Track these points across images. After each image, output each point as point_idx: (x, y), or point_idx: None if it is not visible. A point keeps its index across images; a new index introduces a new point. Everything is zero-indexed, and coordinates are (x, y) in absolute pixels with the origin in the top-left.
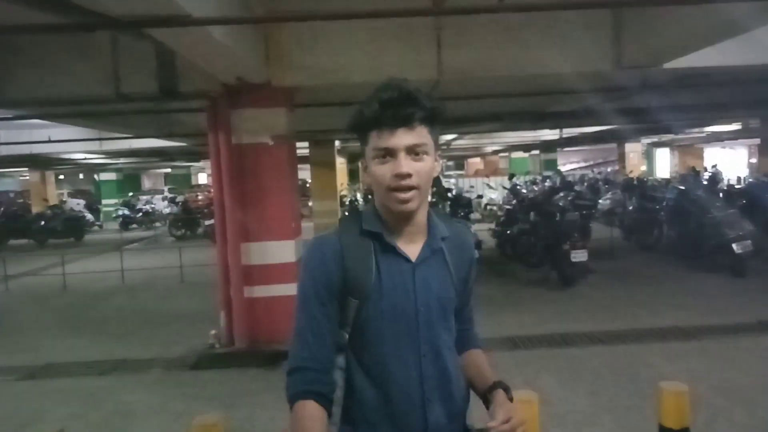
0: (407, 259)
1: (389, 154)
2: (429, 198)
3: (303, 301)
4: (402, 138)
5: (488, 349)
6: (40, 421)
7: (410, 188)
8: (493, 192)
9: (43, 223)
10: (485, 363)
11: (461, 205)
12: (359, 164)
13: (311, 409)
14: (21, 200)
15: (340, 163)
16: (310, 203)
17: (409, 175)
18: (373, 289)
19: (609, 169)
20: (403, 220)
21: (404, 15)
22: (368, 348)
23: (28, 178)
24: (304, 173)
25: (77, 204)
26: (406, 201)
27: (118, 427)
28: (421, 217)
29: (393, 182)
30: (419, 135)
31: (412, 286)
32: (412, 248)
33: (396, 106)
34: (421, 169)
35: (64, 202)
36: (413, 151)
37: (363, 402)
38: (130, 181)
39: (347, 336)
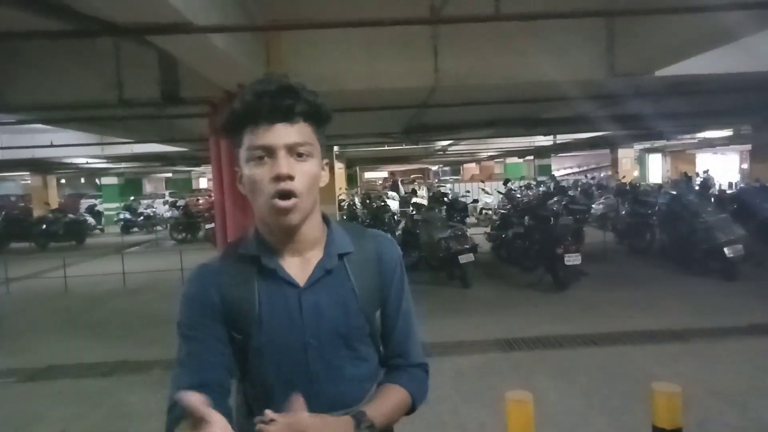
0: (293, 284)
1: (267, 153)
2: (317, 209)
3: (178, 337)
4: (281, 134)
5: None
6: (41, 422)
7: (291, 194)
8: (488, 197)
9: (44, 226)
10: (384, 397)
11: (457, 210)
12: (236, 174)
13: None
14: (23, 204)
15: (339, 167)
16: None
17: (290, 177)
18: (254, 323)
19: (602, 175)
20: (287, 236)
21: (402, 23)
22: (254, 387)
23: (29, 182)
24: None
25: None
26: (286, 212)
27: (119, 427)
28: (311, 230)
29: (271, 186)
30: (302, 132)
31: (299, 316)
32: (301, 270)
33: (274, 97)
34: (306, 172)
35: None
36: (295, 151)
37: None
38: (131, 185)
39: (239, 372)
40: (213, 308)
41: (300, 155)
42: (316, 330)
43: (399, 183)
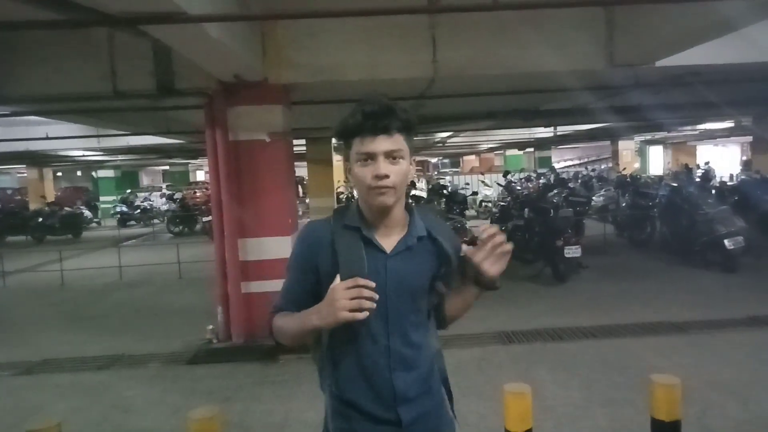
0: (382, 251)
1: (370, 158)
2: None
3: (288, 269)
4: (381, 144)
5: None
6: (38, 416)
7: (386, 187)
8: (488, 189)
9: (40, 219)
10: None
11: (457, 202)
12: (345, 166)
13: (282, 313)
14: (19, 197)
15: (337, 160)
16: (307, 200)
17: (386, 176)
18: (365, 276)
19: (602, 167)
20: (382, 215)
21: (400, 12)
22: (346, 324)
23: (25, 175)
24: (301, 170)
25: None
26: (383, 194)
27: (116, 421)
28: (398, 213)
29: (373, 182)
30: (396, 142)
31: (384, 275)
32: (388, 241)
33: (377, 117)
34: (398, 171)
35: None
36: (391, 156)
37: (343, 368)
38: (128, 178)
39: None
40: (312, 257)
41: (394, 158)
42: (394, 287)
43: None
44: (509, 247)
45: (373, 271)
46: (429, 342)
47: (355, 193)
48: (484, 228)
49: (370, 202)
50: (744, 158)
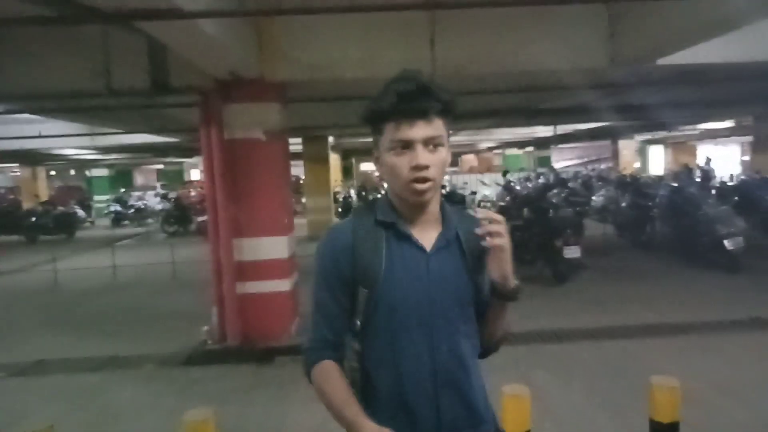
0: (422, 249)
1: (406, 146)
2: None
3: (314, 286)
4: (420, 130)
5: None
6: (31, 418)
7: (426, 180)
8: (486, 189)
9: (34, 219)
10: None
11: (455, 202)
12: (373, 154)
13: (327, 365)
14: (12, 196)
15: (334, 159)
16: (303, 200)
17: (426, 167)
18: (384, 279)
19: (603, 166)
20: (417, 210)
21: (399, 8)
22: (380, 337)
23: (18, 174)
24: (298, 170)
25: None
26: (422, 192)
27: (110, 423)
28: (434, 206)
29: (410, 174)
30: (436, 128)
31: (426, 276)
32: (426, 238)
33: (414, 99)
34: (437, 161)
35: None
36: (430, 143)
37: (377, 389)
38: (122, 177)
39: (359, 324)
40: (339, 267)
41: (433, 146)
42: (439, 289)
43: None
44: (498, 241)
45: (412, 272)
46: (479, 363)
47: (352, 192)
48: (485, 215)
49: (406, 196)
50: (744, 158)
